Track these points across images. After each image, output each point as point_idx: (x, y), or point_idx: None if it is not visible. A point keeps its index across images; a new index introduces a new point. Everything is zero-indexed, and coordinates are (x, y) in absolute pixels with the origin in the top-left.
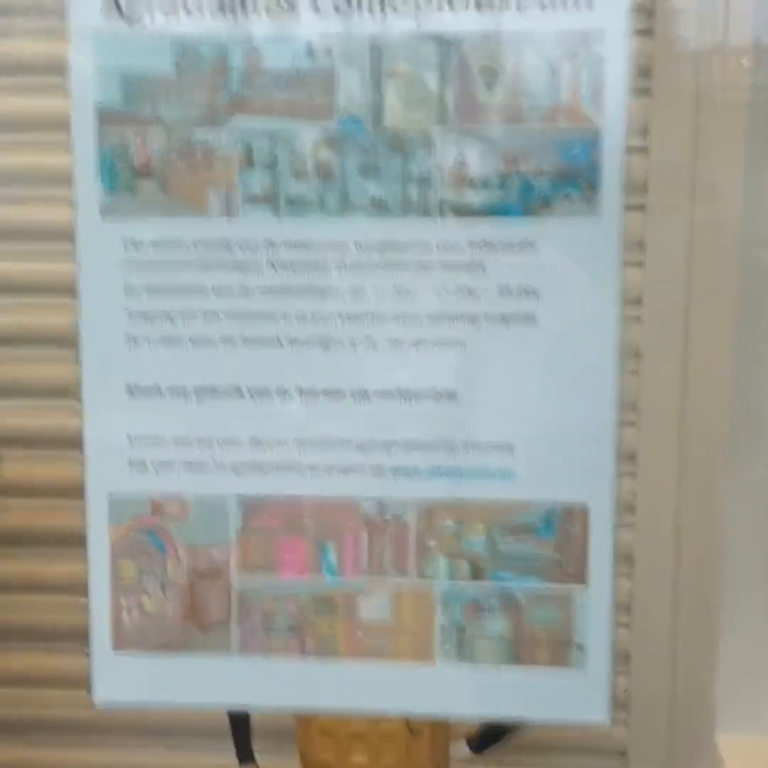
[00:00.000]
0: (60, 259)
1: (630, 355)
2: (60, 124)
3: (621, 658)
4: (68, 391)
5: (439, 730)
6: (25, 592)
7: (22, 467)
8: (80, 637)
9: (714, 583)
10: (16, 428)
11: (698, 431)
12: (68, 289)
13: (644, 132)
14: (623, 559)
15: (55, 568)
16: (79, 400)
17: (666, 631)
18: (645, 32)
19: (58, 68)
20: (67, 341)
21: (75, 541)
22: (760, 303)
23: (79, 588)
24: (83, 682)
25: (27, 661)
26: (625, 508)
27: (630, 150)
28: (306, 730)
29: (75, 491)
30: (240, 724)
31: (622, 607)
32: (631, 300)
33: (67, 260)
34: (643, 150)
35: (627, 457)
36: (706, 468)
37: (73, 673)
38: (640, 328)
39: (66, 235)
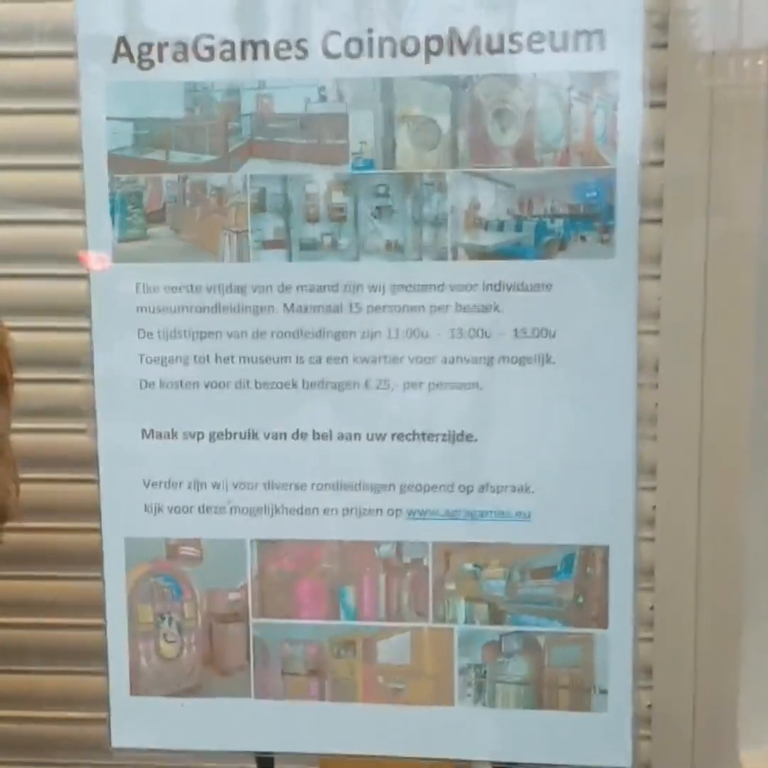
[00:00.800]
0: (74, 279)
1: (648, 368)
2: (75, 145)
3: (644, 673)
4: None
5: None
6: (44, 612)
7: (41, 487)
8: (98, 655)
9: (735, 597)
10: (35, 448)
11: (718, 443)
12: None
13: (660, 144)
14: (644, 573)
15: (74, 588)
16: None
17: (688, 644)
18: (658, 45)
19: (72, 89)
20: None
21: (94, 561)
22: None
23: (98, 608)
24: (102, 702)
25: (45, 680)
26: (645, 522)
27: (645, 163)
28: None
29: (95, 510)
30: None
31: (644, 622)
32: (649, 313)
33: (82, 280)
34: (659, 163)
35: (647, 471)
36: (726, 480)
37: (92, 692)
38: (657, 341)
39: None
